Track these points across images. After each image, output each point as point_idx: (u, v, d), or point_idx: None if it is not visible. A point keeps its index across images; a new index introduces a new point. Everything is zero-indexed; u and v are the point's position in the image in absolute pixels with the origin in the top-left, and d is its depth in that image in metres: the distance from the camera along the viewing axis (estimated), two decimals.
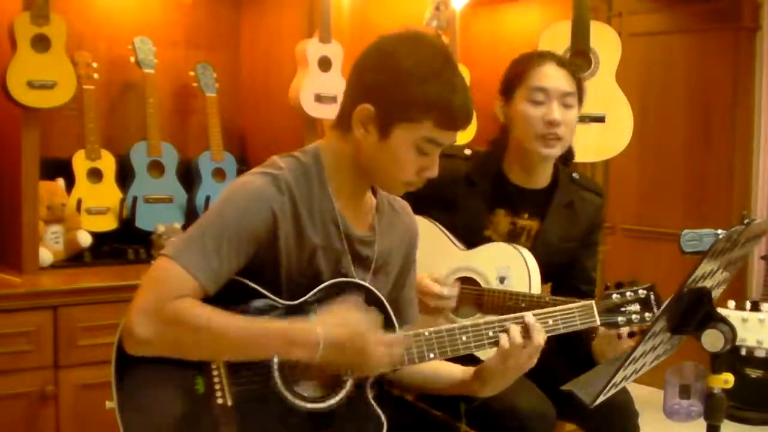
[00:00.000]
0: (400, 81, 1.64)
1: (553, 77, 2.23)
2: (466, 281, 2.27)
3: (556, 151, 2.25)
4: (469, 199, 2.30)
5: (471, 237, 2.29)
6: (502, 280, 2.23)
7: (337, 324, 1.62)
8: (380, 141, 1.67)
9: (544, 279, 2.30)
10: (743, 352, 1.83)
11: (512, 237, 2.32)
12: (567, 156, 2.36)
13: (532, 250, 2.29)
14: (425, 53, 1.67)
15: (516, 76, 2.26)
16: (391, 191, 1.80)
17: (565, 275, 2.38)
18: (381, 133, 1.67)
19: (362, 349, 1.61)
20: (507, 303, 2.19)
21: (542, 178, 2.33)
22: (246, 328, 1.59)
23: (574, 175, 2.39)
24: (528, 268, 2.23)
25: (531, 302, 2.17)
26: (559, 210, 2.33)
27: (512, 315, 1.78)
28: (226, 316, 1.58)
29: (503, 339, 1.73)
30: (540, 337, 1.75)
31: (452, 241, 2.30)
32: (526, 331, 1.75)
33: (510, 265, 2.24)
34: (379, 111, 1.65)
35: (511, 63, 2.32)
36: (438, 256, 2.26)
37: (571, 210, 2.34)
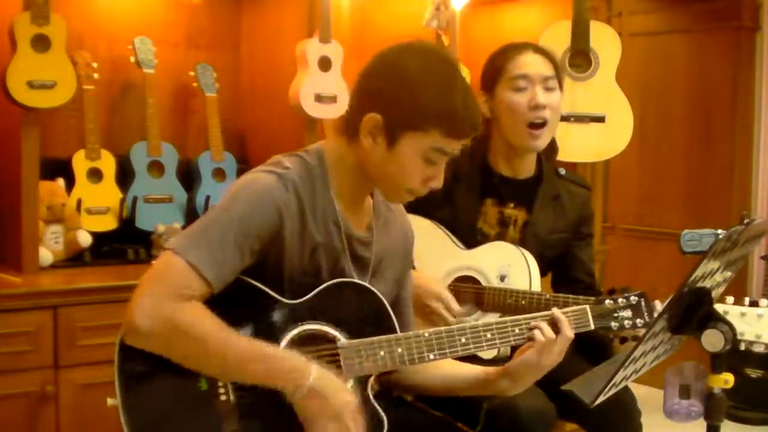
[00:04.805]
0: (408, 90, 1.65)
1: (532, 63, 2.30)
2: (466, 280, 2.30)
3: (543, 141, 2.31)
4: (460, 193, 2.35)
5: (466, 230, 2.34)
6: (502, 278, 2.26)
7: (329, 383, 1.61)
8: (388, 150, 1.68)
9: (542, 272, 2.33)
10: (742, 347, 1.83)
11: (501, 226, 2.36)
12: (550, 150, 2.42)
13: (522, 241, 2.33)
14: (433, 63, 1.68)
15: (497, 69, 2.33)
16: (394, 199, 1.80)
17: (564, 268, 2.43)
18: (389, 142, 1.68)
19: (338, 416, 1.60)
20: (507, 301, 2.23)
21: (526, 169, 2.39)
22: (240, 350, 1.58)
23: (560, 170, 2.46)
24: (528, 266, 2.27)
25: (531, 300, 2.21)
26: (546, 202, 2.38)
27: (521, 316, 1.80)
28: (225, 333, 1.58)
29: (538, 334, 1.76)
30: (569, 330, 1.78)
31: (454, 242, 2.32)
32: (555, 326, 1.78)
33: (511, 263, 2.27)
34: (387, 120, 1.66)
35: (490, 57, 2.39)
36: (440, 256, 2.29)
37: (559, 203, 2.40)
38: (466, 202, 2.35)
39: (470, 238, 2.33)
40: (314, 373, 1.59)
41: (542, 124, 2.28)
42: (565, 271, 2.42)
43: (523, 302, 2.21)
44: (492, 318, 2.24)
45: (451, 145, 1.68)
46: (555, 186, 2.41)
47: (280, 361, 1.60)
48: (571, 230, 2.41)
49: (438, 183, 1.73)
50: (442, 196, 2.29)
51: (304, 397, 1.59)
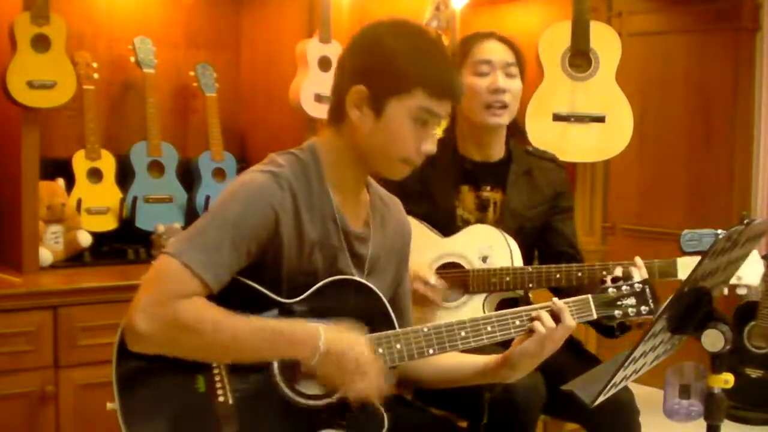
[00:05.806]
0: (389, 57, 1.70)
1: (495, 50, 2.39)
2: (450, 266, 2.32)
3: (504, 119, 2.38)
4: (435, 184, 2.40)
5: (446, 220, 2.37)
6: (484, 259, 2.31)
7: (341, 338, 1.62)
8: (376, 120, 1.71)
9: (525, 252, 2.35)
10: (725, 291, 1.82)
11: (480, 210, 2.41)
12: (516, 130, 2.52)
13: (502, 221, 2.38)
14: (411, 32, 1.75)
15: (462, 54, 2.41)
16: (391, 174, 1.79)
17: (548, 244, 2.46)
18: (376, 111, 1.70)
19: (357, 370, 1.61)
20: (492, 280, 2.28)
21: (496, 151, 2.45)
22: (248, 332, 1.59)
23: (529, 148, 2.55)
24: (508, 244, 2.32)
25: (515, 275, 2.27)
26: (518, 178, 2.43)
27: (521, 308, 1.79)
28: (229, 319, 1.58)
29: (538, 326, 1.75)
30: (571, 319, 1.77)
31: (432, 231, 2.36)
32: (556, 315, 1.77)
33: (491, 243, 2.32)
34: (372, 89, 1.70)
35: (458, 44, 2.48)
36: (421, 247, 2.30)
37: (531, 178, 2.45)
38: (442, 192, 2.39)
39: (452, 226, 2.37)
40: (323, 335, 1.60)
41: (502, 107, 2.35)
42: (549, 248, 2.46)
43: (507, 279, 2.26)
44: (479, 299, 2.28)
45: (437, 105, 1.71)
46: (525, 162, 2.46)
47: (290, 334, 1.61)
48: (548, 203, 2.45)
49: (432, 146, 1.75)
50: (419, 190, 2.33)
51: (321, 362, 1.60)
